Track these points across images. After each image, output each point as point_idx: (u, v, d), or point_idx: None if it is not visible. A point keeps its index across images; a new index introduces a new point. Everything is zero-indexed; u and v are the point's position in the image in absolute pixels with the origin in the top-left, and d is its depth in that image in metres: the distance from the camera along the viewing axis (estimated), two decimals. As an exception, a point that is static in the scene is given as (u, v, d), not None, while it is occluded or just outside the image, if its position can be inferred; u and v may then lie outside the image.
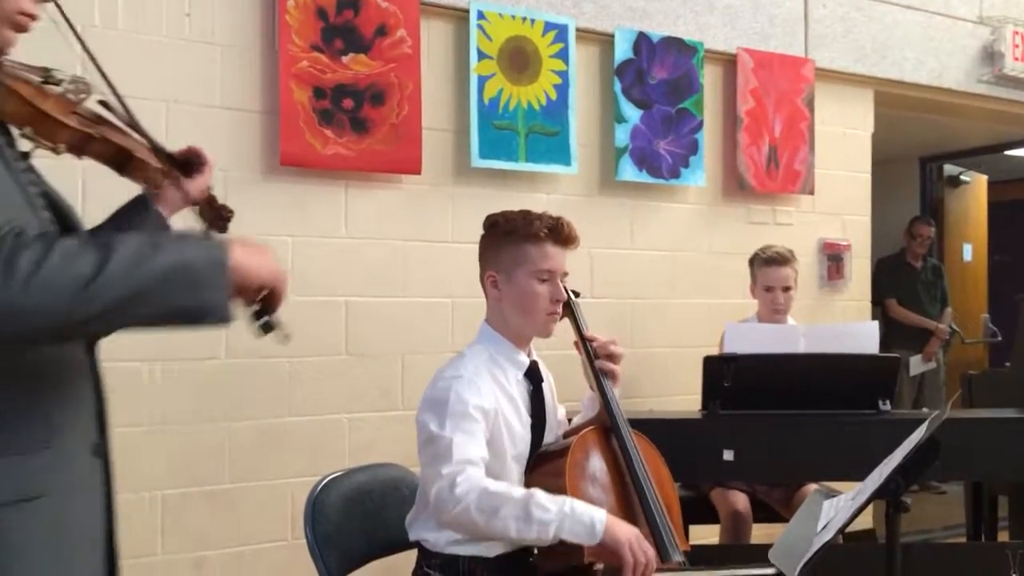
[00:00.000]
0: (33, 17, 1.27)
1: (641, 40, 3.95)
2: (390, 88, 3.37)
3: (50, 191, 1.34)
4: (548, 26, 3.72)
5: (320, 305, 3.24)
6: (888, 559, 1.74)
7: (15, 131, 1.31)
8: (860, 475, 1.86)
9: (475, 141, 3.55)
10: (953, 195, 7.39)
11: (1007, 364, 4.44)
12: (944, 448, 1.65)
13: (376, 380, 3.34)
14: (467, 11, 3.56)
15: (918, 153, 7.39)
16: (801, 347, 3.12)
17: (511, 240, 2.12)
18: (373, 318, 3.36)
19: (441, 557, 2.05)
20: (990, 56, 5.02)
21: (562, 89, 3.74)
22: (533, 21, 3.69)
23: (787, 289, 3.51)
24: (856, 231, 4.65)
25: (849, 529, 1.71)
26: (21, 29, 1.27)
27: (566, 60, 3.75)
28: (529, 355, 2.20)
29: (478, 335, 2.19)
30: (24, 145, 1.32)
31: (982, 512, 3.86)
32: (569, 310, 2.26)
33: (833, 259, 4.54)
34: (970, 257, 7.29)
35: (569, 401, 2.43)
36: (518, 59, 3.66)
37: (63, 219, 1.32)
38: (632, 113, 3.93)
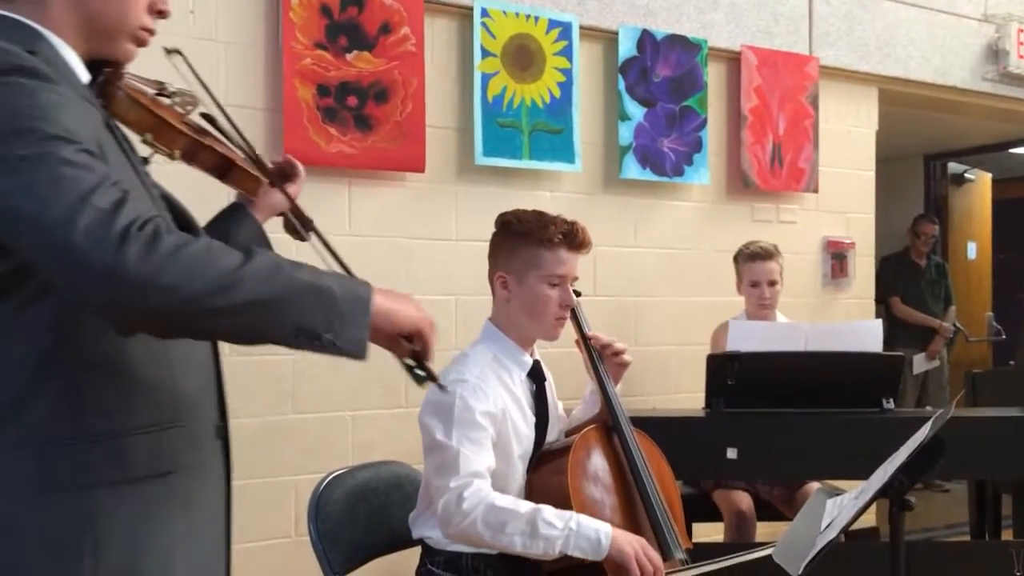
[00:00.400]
0: (152, 32, 1.35)
1: (645, 38, 3.94)
2: (394, 86, 3.37)
3: (167, 195, 1.41)
4: (552, 24, 3.72)
5: (324, 302, 3.24)
6: (892, 558, 1.74)
7: (136, 138, 1.39)
8: (864, 473, 1.86)
9: (479, 139, 3.55)
10: (957, 193, 7.37)
11: (1011, 362, 4.44)
12: (948, 446, 1.64)
13: (380, 377, 3.34)
14: (471, 8, 3.55)
15: (922, 151, 7.37)
16: (805, 345, 3.12)
17: (525, 243, 2.10)
18: (377, 316, 3.35)
19: (445, 554, 2.06)
20: (995, 54, 5.01)
21: (566, 87, 3.74)
22: (537, 19, 3.69)
23: (773, 283, 3.51)
24: (860, 229, 4.64)
25: (852, 528, 1.71)
26: (142, 44, 1.35)
27: (570, 58, 3.75)
28: (532, 354, 2.20)
29: (482, 334, 2.19)
30: (142, 151, 1.40)
31: (986, 510, 3.86)
32: (571, 310, 2.26)
33: (837, 257, 4.54)
34: (974, 255, 7.28)
35: (569, 399, 2.43)
36: (522, 57, 3.66)
37: (180, 222, 1.38)
38: (636, 111, 3.93)
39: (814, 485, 3.16)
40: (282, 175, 1.71)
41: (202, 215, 1.57)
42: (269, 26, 3.22)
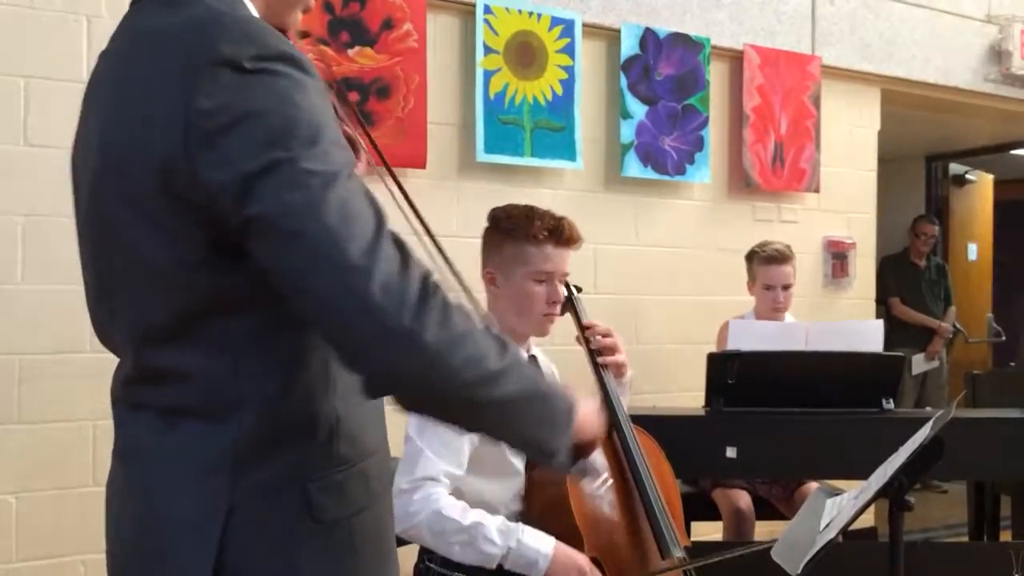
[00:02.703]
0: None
1: (647, 36, 3.94)
2: (396, 82, 3.37)
3: None
4: (555, 21, 3.71)
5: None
6: (891, 558, 1.74)
7: None
8: (863, 473, 1.86)
9: (480, 136, 3.55)
10: (959, 194, 7.37)
11: (1011, 364, 4.43)
12: (947, 447, 1.64)
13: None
14: (473, 5, 3.55)
15: (924, 152, 7.37)
16: (805, 345, 3.12)
17: (511, 238, 2.11)
18: (377, 312, 3.34)
19: (443, 551, 2.05)
20: (998, 55, 5.00)
21: (568, 84, 3.74)
22: (539, 16, 3.68)
23: (787, 287, 3.50)
24: (861, 229, 4.64)
25: (851, 527, 1.71)
26: (307, 11, 1.27)
27: (572, 55, 3.75)
28: (528, 350, 2.19)
29: (478, 330, 2.18)
30: None
31: (985, 511, 3.86)
32: (571, 305, 2.26)
33: (838, 257, 4.53)
34: (975, 256, 7.27)
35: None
36: (524, 54, 3.65)
37: None
38: (638, 109, 3.92)
39: (813, 485, 3.16)
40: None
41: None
42: (271, 21, 3.21)
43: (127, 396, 1.17)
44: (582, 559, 1.95)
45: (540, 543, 1.94)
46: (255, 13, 1.15)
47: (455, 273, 1.33)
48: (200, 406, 1.09)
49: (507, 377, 1.07)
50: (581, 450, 1.23)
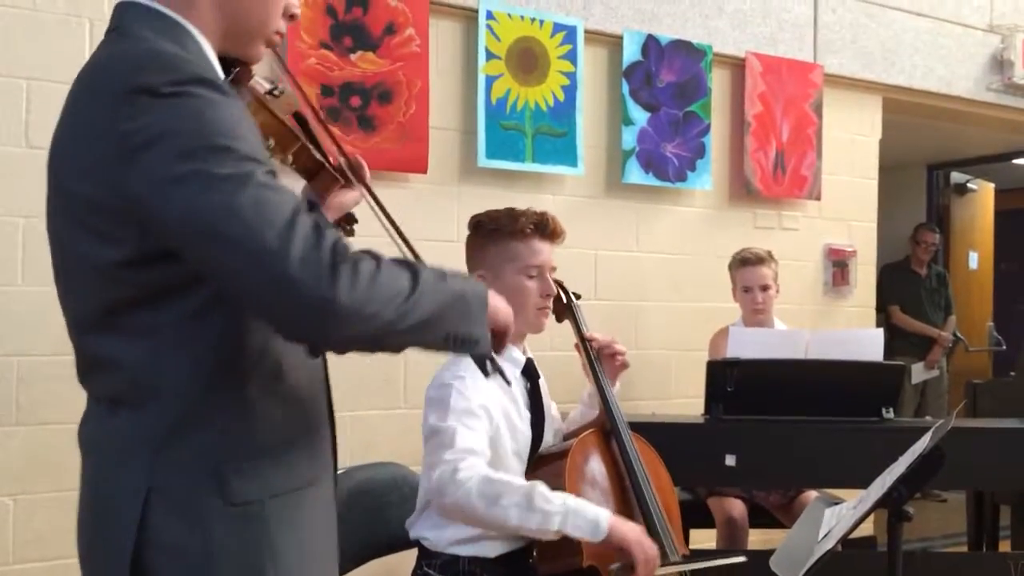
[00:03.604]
0: (283, 35, 1.34)
1: (650, 43, 3.94)
2: (398, 87, 3.37)
3: None
4: (557, 27, 3.72)
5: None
6: (890, 567, 1.73)
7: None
8: (862, 482, 1.86)
9: (482, 141, 3.55)
10: (960, 203, 7.37)
11: (1011, 373, 4.43)
12: (947, 457, 1.64)
13: (378, 378, 3.34)
14: (476, 11, 3.55)
15: (925, 160, 7.37)
16: (805, 353, 3.12)
17: (497, 238, 2.13)
18: (377, 316, 3.34)
19: (441, 557, 2.05)
20: (999, 64, 5.00)
21: (570, 90, 3.74)
22: (542, 22, 3.69)
23: (765, 288, 3.50)
24: (862, 237, 4.64)
25: (850, 536, 1.71)
26: (271, 45, 1.35)
27: (574, 61, 3.75)
28: (524, 352, 2.20)
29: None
30: None
31: (984, 521, 3.85)
32: (571, 312, 2.27)
33: (838, 265, 4.53)
34: (976, 265, 7.28)
35: (564, 403, 2.42)
36: (526, 60, 3.66)
37: None
38: (639, 116, 3.92)
39: (812, 493, 3.16)
40: (354, 173, 1.61)
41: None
42: (274, 25, 3.21)
43: (86, 388, 1.28)
44: (637, 527, 1.94)
45: (595, 506, 1.91)
46: (206, 47, 1.24)
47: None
48: (130, 394, 1.19)
49: (421, 300, 1.16)
50: (497, 337, 1.33)
